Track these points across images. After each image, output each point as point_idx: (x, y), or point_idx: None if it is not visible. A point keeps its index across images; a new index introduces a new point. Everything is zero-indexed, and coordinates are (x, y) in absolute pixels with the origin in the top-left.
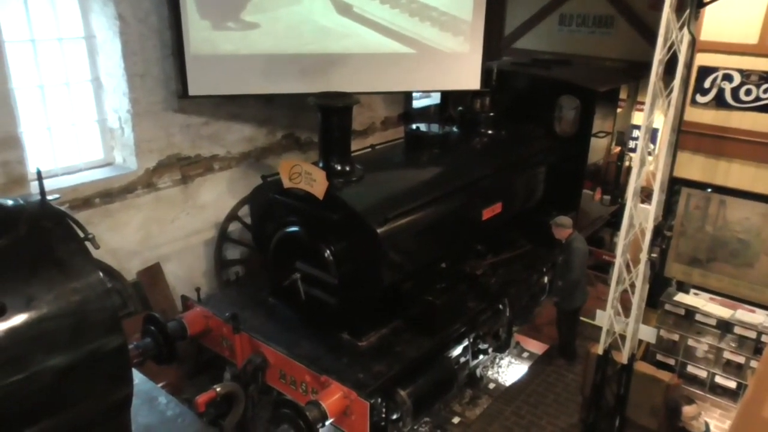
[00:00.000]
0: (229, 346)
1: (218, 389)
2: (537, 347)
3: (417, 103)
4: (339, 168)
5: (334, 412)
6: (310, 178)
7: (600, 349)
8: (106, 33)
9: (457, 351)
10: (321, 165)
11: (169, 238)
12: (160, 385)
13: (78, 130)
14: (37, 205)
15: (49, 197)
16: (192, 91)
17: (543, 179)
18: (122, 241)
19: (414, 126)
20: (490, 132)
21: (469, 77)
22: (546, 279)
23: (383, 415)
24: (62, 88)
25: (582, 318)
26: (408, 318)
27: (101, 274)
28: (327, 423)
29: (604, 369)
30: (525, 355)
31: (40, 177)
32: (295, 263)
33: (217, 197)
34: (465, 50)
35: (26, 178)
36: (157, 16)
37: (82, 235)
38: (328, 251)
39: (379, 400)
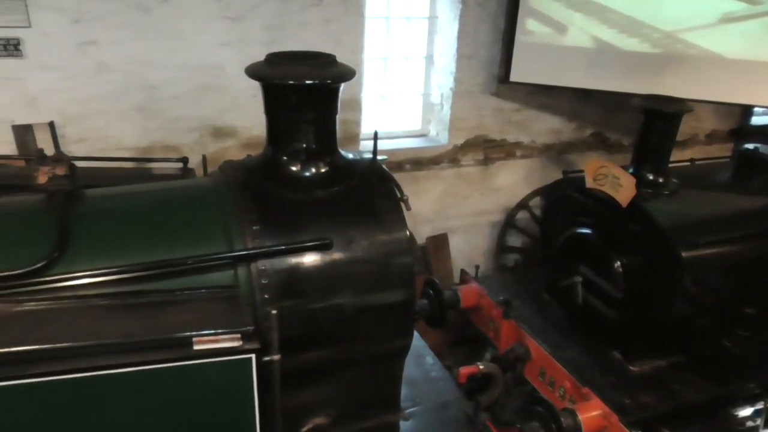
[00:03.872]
0: (495, 328)
1: (481, 366)
2: None
3: (757, 119)
4: (651, 177)
5: (589, 427)
6: (617, 182)
7: None
8: (448, 15)
9: (747, 412)
10: (631, 171)
11: (460, 213)
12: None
13: (405, 101)
14: (368, 162)
15: (378, 157)
16: (513, 77)
17: None
18: (421, 207)
19: (751, 146)
20: None
21: None
22: None
23: None
24: (401, 62)
25: None
26: (693, 357)
27: (407, 232)
28: None
29: None
30: None
31: (375, 138)
32: (579, 266)
33: (512, 183)
34: None
35: (358, 137)
36: (495, 2)
37: (398, 195)
38: (618, 262)
39: None
